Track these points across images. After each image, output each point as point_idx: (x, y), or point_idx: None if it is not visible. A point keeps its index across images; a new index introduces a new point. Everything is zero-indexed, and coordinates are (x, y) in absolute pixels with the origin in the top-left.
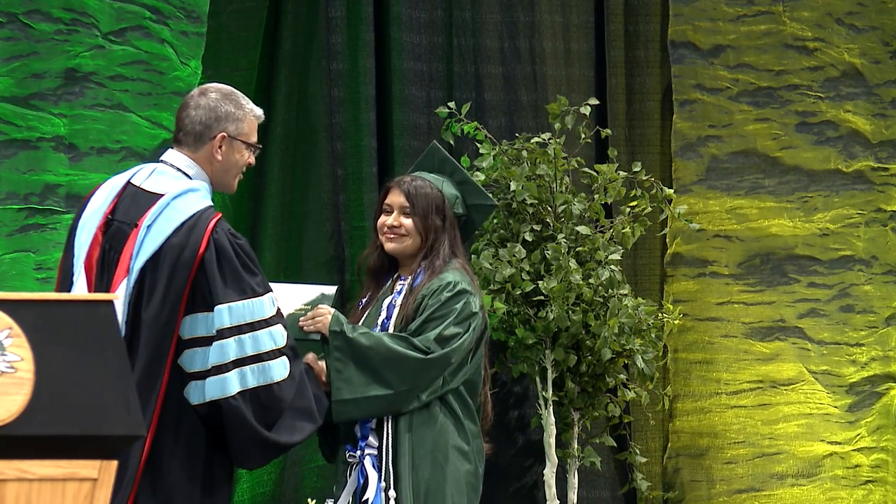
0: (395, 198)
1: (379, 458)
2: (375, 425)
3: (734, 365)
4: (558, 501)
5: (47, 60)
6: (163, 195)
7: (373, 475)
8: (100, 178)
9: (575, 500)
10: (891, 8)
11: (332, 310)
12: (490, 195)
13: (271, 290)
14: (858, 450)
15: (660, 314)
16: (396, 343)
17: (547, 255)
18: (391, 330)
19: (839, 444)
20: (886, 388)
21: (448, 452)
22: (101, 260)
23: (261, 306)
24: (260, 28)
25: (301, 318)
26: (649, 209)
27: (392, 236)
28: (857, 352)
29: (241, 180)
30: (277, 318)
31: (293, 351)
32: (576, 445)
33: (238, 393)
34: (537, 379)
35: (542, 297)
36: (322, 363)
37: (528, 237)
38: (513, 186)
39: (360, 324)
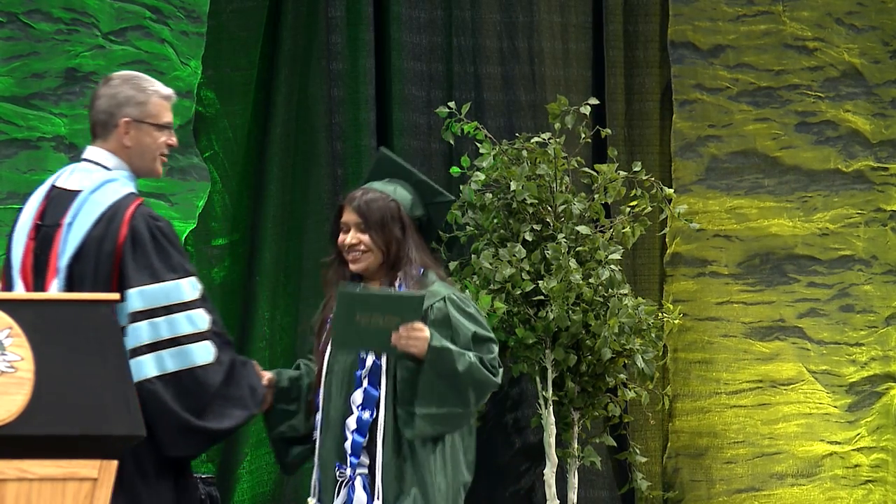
0: (349, 216)
1: (371, 477)
2: (367, 443)
3: (734, 365)
4: (558, 501)
5: (48, 60)
6: (80, 191)
7: (362, 496)
8: None
9: (575, 500)
10: (891, 8)
11: (427, 328)
12: (445, 191)
13: (194, 274)
14: (858, 449)
15: (660, 314)
16: (481, 366)
17: (547, 255)
18: None
19: (839, 443)
20: (886, 388)
21: (456, 467)
22: (34, 266)
23: (177, 290)
24: (260, 28)
25: (394, 333)
26: (649, 209)
27: (355, 255)
28: (856, 351)
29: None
30: (199, 302)
31: (220, 337)
32: (576, 445)
33: (155, 377)
34: (537, 379)
35: (542, 297)
36: (269, 374)
37: (528, 237)
38: (513, 186)
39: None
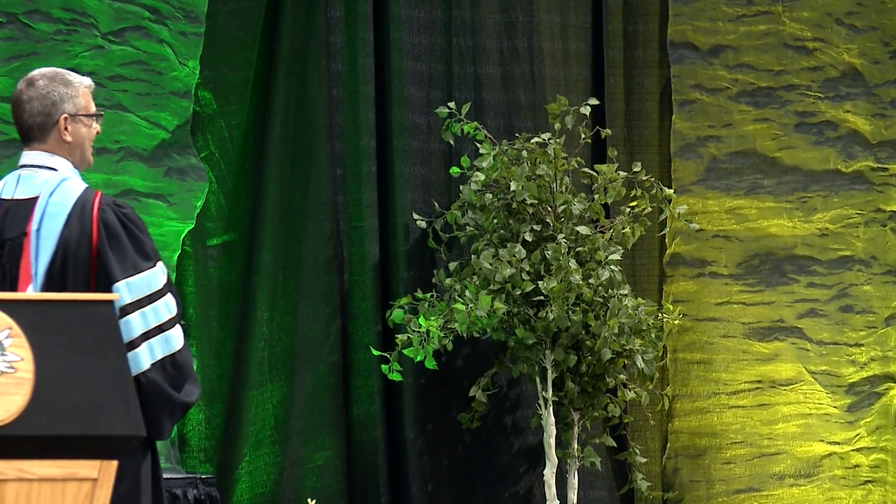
0: None
1: None
2: None
3: (733, 365)
4: (558, 502)
5: (47, 60)
6: (38, 197)
7: None
8: (99, 179)
9: (574, 501)
10: (890, 8)
11: None
12: None
13: (160, 258)
14: (858, 450)
15: (659, 314)
16: None
17: (547, 255)
18: None
19: (838, 444)
20: (885, 389)
21: None
22: (2, 278)
23: (154, 277)
24: (258, 28)
25: None
26: (649, 209)
27: None
28: (856, 352)
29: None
30: (168, 285)
31: (181, 319)
32: (576, 446)
33: (151, 365)
34: (537, 379)
35: (542, 297)
36: None
37: (528, 237)
38: (513, 186)
39: None
